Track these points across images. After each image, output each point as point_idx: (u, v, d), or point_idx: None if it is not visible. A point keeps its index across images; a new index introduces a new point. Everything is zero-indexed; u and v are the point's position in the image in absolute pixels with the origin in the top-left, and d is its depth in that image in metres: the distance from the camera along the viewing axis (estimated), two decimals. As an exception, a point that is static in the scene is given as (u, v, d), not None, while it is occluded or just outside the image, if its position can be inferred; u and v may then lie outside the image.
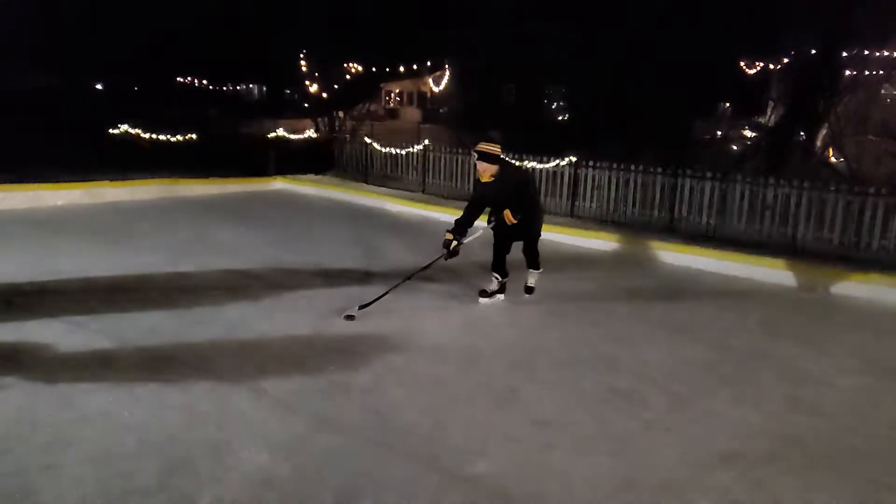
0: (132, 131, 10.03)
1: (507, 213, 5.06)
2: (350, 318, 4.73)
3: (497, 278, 5.46)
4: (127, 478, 2.72)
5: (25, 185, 8.77)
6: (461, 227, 5.21)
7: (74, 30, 21.26)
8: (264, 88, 34.57)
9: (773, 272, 6.69)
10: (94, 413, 3.23)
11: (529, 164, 9.47)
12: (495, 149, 5.12)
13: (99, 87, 28.07)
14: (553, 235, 8.15)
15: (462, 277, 6.24)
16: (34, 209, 8.52)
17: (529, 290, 5.59)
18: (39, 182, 8.91)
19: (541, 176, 9.42)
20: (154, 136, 10.31)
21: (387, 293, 4.98)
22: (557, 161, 9.20)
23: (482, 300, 5.41)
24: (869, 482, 2.99)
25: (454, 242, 5.16)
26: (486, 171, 5.10)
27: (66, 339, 4.13)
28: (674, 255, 7.35)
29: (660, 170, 8.30)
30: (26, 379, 3.55)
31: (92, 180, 9.45)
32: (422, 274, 5.52)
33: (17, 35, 18.24)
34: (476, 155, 5.14)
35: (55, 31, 20.88)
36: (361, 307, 4.82)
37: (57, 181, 9.06)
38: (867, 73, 15.07)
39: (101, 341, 4.14)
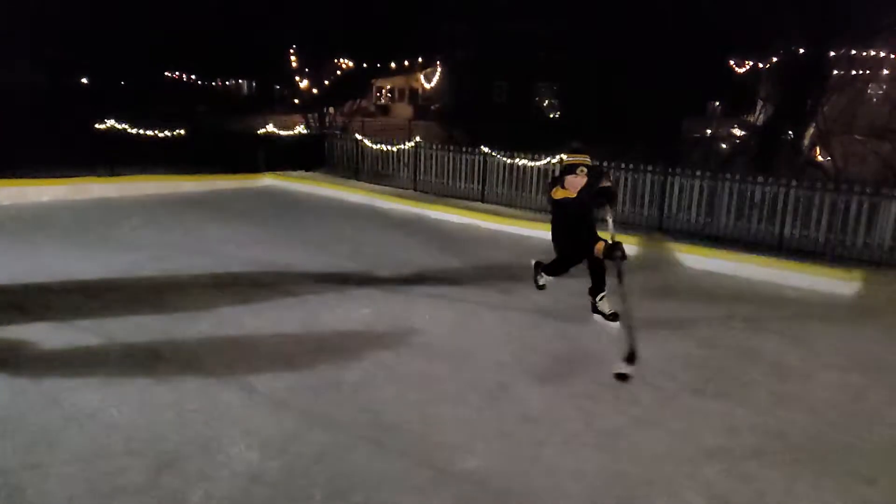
0: (119, 126, 9.92)
1: (601, 247, 4.38)
2: (623, 377, 3.90)
3: (544, 276, 5.05)
4: (115, 476, 2.71)
5: (9, 180, 8.65)
6: (595, 233, 4.58)
7: (60, 24, 21.00)
8: (254, 84, 34.36)
9: (759, 269, 6.76)
10: (81, 411, 3.21)
11: (521, 162, 9.50)
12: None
13: (84, 81, 27.77)
14: (544, 233, 8.18)
15: (454, 276, 6.25)
16: (18, 205, 8.43)
17: (612, 316, 4.62)
18: (24, 178, 8.80)
19: (531, 173, 9.45)
20: (142, 131, 10.20)
21: (631, 331, 4.01)
22: (548, 159, 9.23)
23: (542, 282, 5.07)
24: (850, 475, 3.04)
25: (613, 237, 4.44)
26: (580, 185, 4.50)
27: (52, 336, 4.09)
28: (663, 253, 7.41)
29: (650, 168, 8.35)
30: (11, 377, 3.52)
31: (78, 176, 9.37)
32: (415, 273, 5.52)
33: (1, 29, 17.99)
34: (584, 170, 4.46)
35: (41, 26, 20.61)
36: (628, 361, 3.89)
37: (42, 177, 8.96)
38: (854, 72, 15.23)
39: (88, 339, 4.11)
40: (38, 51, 22.28)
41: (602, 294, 4.71)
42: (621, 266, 4.23)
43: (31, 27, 20.23)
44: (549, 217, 4.80)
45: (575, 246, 4.61)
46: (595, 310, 4.74)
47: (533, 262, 5.18)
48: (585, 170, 4.49)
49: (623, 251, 4.22)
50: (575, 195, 4.48)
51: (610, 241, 4.33)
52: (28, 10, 19.35)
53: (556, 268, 4.94)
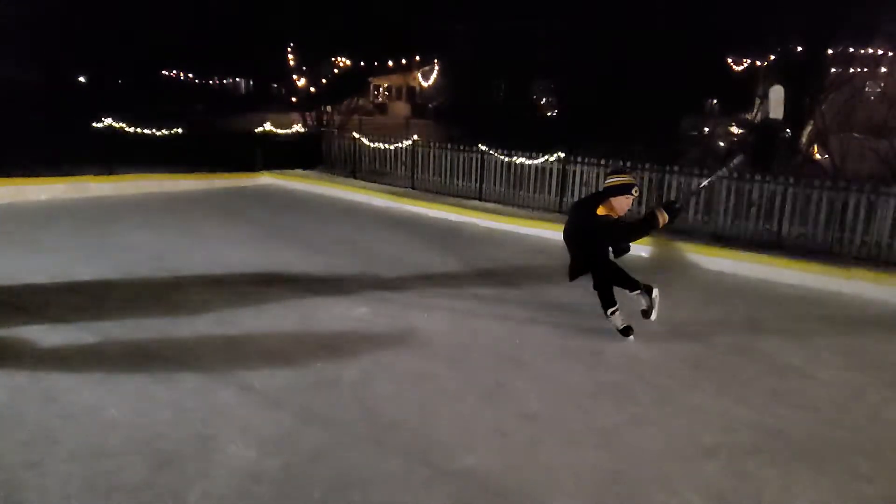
0: (116, 125, 9.90)
1: (664, 215, 4.32)
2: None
3: (640, 293, 4.68)
4: (113, 474, 2.70)
5: (7, 179, 8.64)
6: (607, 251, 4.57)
7: (57, 22, 20.94)
8: (251, 82, 34.32)
9: (757, 267, 6.77)
10: (80, 410, 3.20)
11: (518, 160, 9.50)
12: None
13: (82, 80, 27.72)
14: (541, 231, 8.19)
15: (452, 275, 6.25)
16: (16, 204, 8.41)
17: (624, 331, 4.63)
18: (22, 176, 8.78)
19: (529, 172, 9.45)
20: (139, 130, 10.18)
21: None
22: (546, 157, 9.23)
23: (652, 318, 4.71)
24: (849, 473, 3.04)
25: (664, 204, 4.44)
26: (628, 207, 4.46)
27: (50, 335, 4.08)
28: (660, 251, 7.41)
29: (647, 165, 8.36)
30: (9, 376, 3.51)
31: (76, 175, 9.35)
32: (413, 272, 5.45)
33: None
34: (637, 191, 4.46)
35: (37, 24, 20.54)
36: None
37: (40, 175, 8.94)
38: (852, 70, 15.24)
39: (86, 338, 4.10)
40: (36, 49, 22.22)
41: (612, 309, 4.58)
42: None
43: (29, 25, 20.17)
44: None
45: (602, 256, 4.54)
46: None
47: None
48: (637, 191, 4.43)
49: (677, 205, 4.39)
50: (616, 217, 4.40)
51: (663, 210, 4.28)
52: (25, 8, 19.29)
53: (607, 296, 4.58)
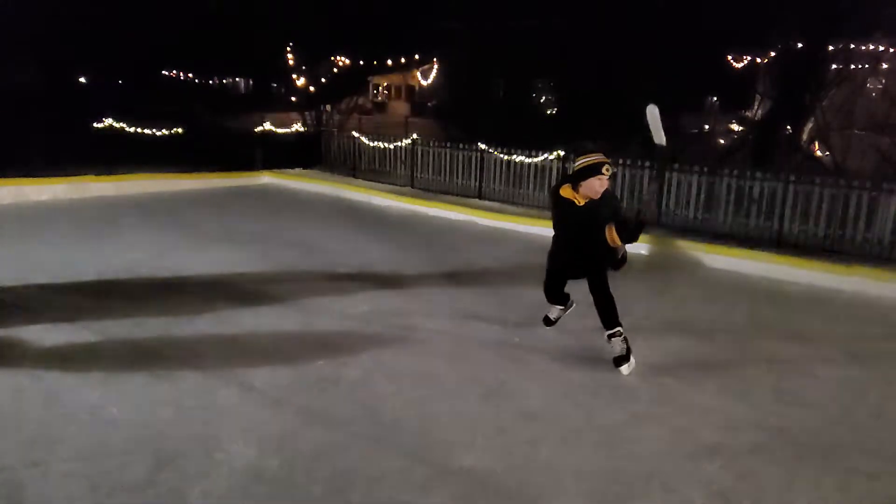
0: (116, 125, 9.91)
1: (613, 232, 3.78)
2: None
3: (561, 309, 4.62)
4: (115, 474, 2.71)
5: (8, 179, 8.65)
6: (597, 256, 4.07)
7: (56, 23, 20.94)
8: (251, 82, 34.31)
9: (758, 265, 6.76)
10: (81, 409, 3.21)
11: (518, 158, 9.49)
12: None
13: (82, 80, 27.71)
14: (541, 230, 8.18)
15: (452, 273, 6.25)
16: (17, 204, 8.42)
17: (618, 360, 4.00)
18: (22, 177, 8.79)
19: (529, 170, 9.45)
20: (140, 130, 10.19)
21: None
22: (545, 155, 9.22)
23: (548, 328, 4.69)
24: (851, 471, 3.03)
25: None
26: (601, 189, 3.95)
27: (52, 335, 4.09)
28: (660, 249, 7.41)
29: (647, 163, 8.34)
30: (11, 375, 3.51)
31: (76, 175, 9.36)
32: (413, 270, 5.45)
33: (-3, 28, 17.92)
34: (610, 170, 3.93)
35: (36, 25, 20.54)
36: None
37: (41, 176, 8.95)
38: (853, 66, 15.21)
39: (87, 337, 4.11)
40: (36, 49, 22.22)
41: (611, 331, 3.98)
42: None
43: (29, 26, 20.16)
44: (550, 217, 4.25)
45: (562, 256, 4.27)
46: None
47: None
48: (610, 171, 3.90)
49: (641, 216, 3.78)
50: (582, 203, 3.92)
51: (613, 228, 3.73)
52: (26, 8, 19.28)
53: (545, 287, 4.41)
